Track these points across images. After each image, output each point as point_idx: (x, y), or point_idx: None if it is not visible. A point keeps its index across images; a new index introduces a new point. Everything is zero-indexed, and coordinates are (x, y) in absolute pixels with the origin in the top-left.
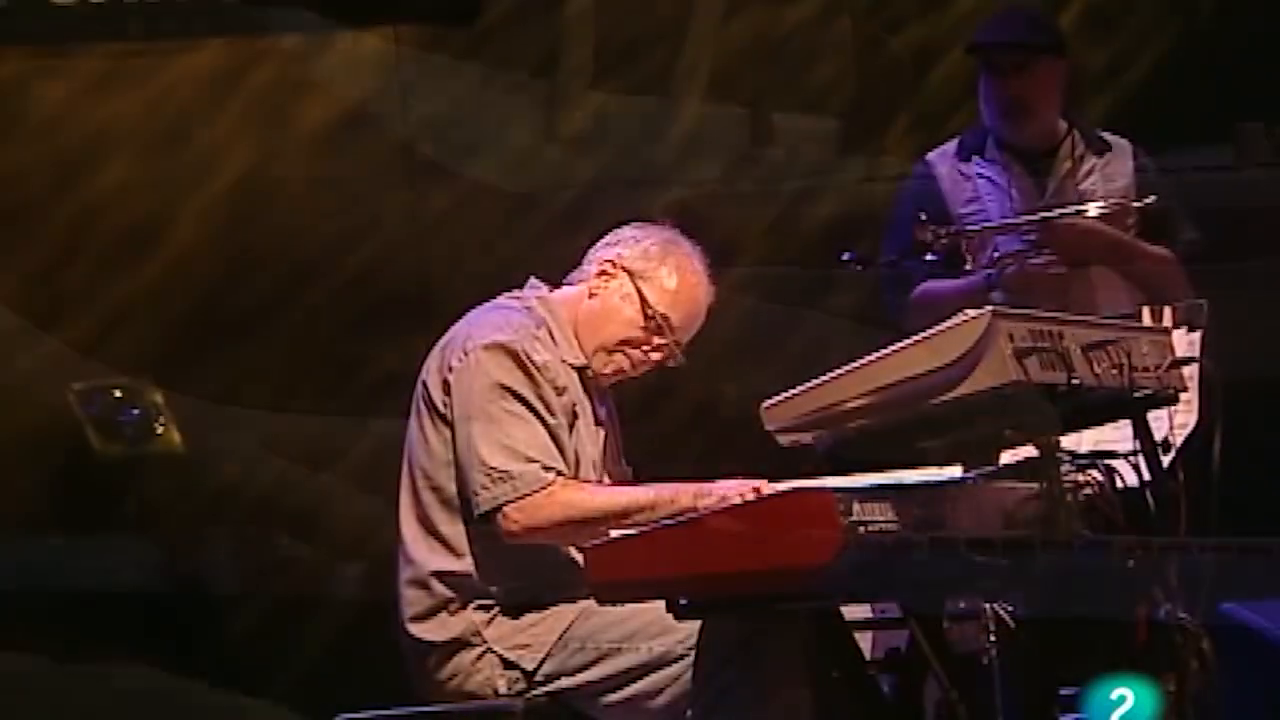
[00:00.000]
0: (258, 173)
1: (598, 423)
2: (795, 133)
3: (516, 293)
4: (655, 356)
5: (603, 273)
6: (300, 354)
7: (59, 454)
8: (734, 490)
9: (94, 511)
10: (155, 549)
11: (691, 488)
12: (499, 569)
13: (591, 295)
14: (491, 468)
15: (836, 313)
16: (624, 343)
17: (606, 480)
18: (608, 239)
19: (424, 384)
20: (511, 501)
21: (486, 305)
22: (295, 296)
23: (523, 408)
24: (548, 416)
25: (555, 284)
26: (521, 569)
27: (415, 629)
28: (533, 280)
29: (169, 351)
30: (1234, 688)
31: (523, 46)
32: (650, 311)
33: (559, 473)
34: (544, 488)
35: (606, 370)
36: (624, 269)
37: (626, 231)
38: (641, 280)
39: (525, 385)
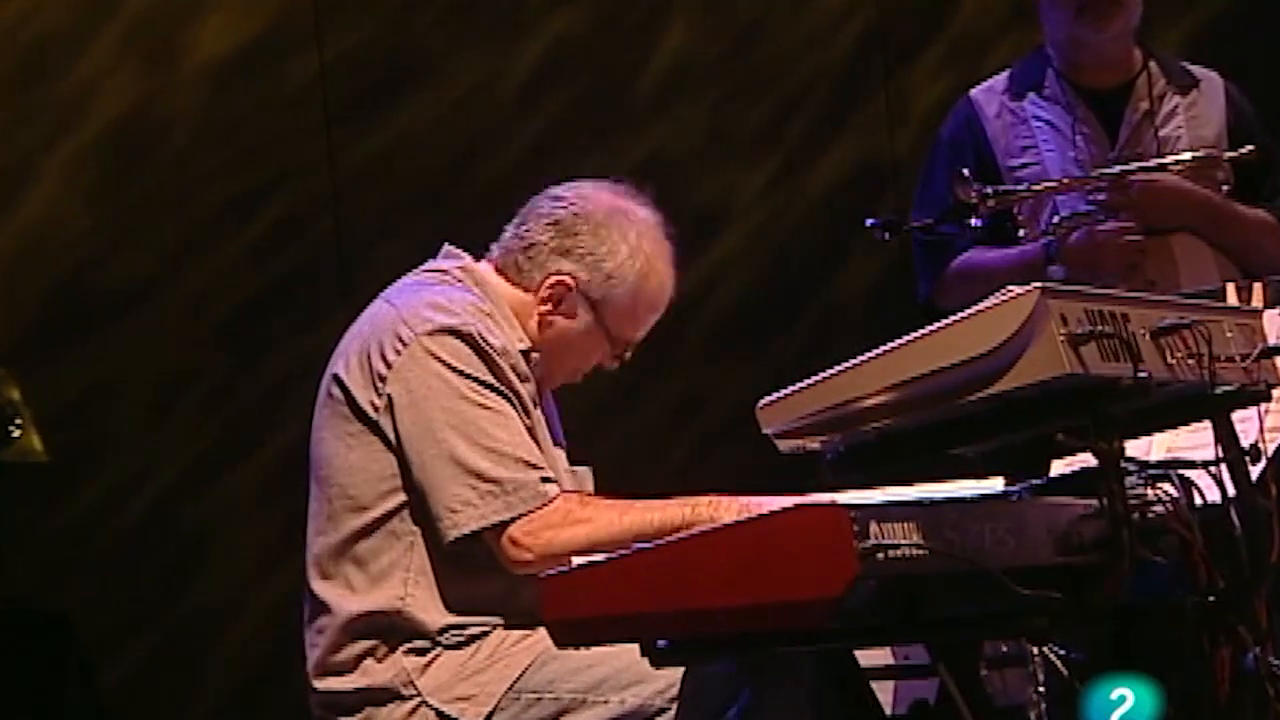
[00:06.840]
0: (139, 115)
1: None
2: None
3: (432, 263)
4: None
5: (553, 295)
6: (190, 340)
7: None
8: None
9: None
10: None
11: (735, 502)
12: (438, 604)
13: (544, 322)
14: (478, 477)
15: (853, 290)
16: (586, 368)
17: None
18: (548, 228)
19: (337, 381)
20: (512, 520)
21: (404, 282)
22: (185, 268)
23: (498, 399)
24: (521, 414)
25: (477, 255)
26: (467, 601)
27: (330, 682)
28: (448, 248)
29: (29, 337)
30: None
31: None
32: (618, 342)
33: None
34: (549, 503)
35: (555, 384)
36: (583, 295)
37: (573, 222)
38: (604, 307)
39: (490, 375)
